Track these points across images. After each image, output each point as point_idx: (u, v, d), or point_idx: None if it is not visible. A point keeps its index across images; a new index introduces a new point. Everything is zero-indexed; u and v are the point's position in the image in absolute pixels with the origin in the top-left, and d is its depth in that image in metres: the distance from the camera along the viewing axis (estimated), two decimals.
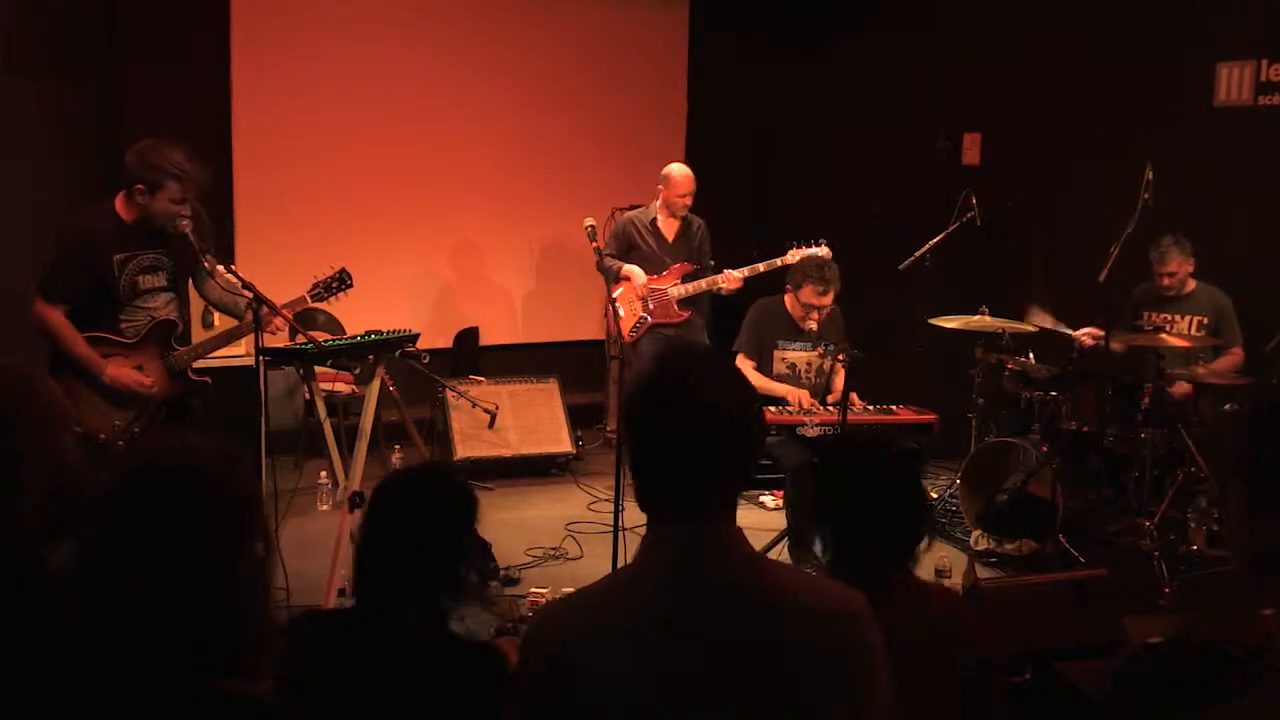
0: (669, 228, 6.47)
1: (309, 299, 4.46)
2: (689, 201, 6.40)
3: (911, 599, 2.31)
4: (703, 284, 6.36)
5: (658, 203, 6.46)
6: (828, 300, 5.74)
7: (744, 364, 5.78)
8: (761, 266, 6.21)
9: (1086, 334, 5.81)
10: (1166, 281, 5.75)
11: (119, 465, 1.57)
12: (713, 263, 6.54)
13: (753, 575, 1.60)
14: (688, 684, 1.53)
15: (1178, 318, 5.78)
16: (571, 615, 1.64)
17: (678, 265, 6.42)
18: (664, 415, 1.60)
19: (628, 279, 6.37)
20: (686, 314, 6.41)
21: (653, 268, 6.40)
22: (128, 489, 1.49)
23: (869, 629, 1.61)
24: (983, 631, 2.35)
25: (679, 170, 6.40)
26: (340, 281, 4.48)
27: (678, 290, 6.37)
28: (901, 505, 2.36)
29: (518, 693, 1.62)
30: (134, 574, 1.43)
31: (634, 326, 6.38)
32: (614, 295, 5.74)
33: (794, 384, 5.91)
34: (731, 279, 6.21)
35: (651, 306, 6.36)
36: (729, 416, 1.59)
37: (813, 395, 5.89)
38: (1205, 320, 5.71)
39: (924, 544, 2.39)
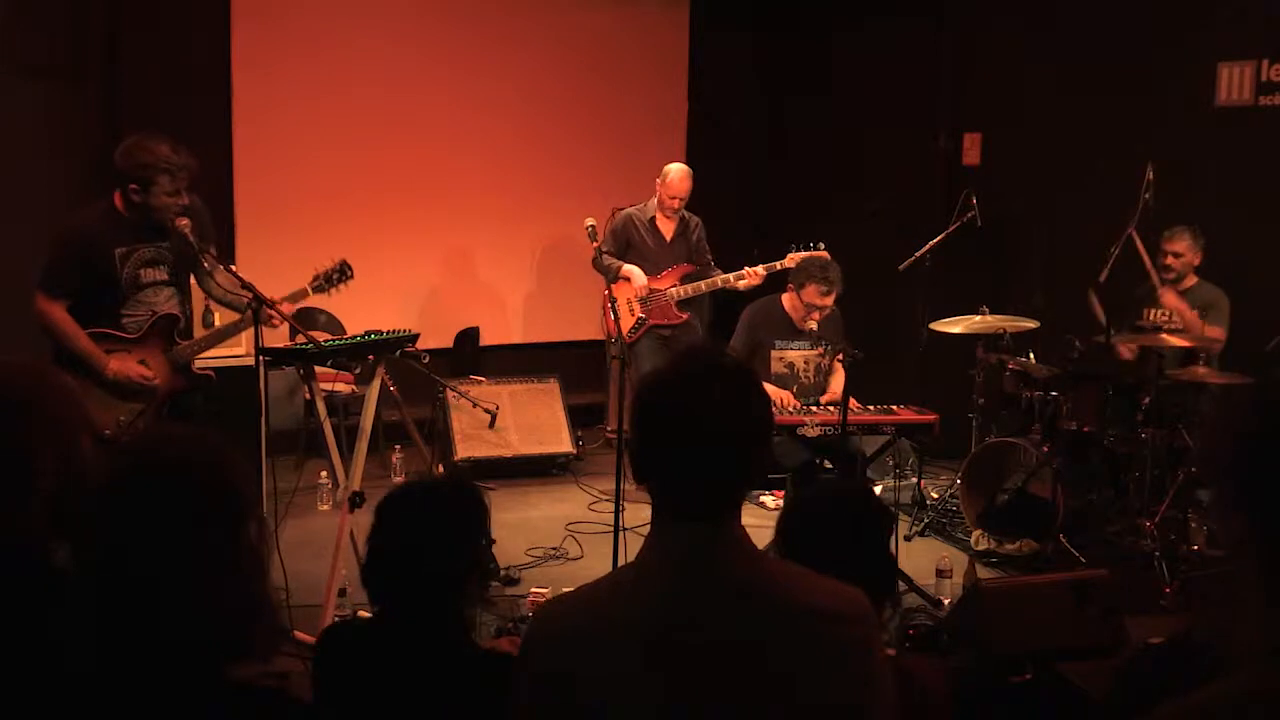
0: (667, 226, 6.45)
1: (310, 290, 4.45)
2: (677, 205, 6.38)
3: None
4: (702, 285, 6.33)
5: (655, 200, 6.45)
6: (829, 301, 5.73)
7: None
8: (761, 269, 6.20)
9: (1125, 347, 5.82)
10: (1169, 260, 5.72)
11: (108, 463, 1.57)
12: (711, 259, 6.52)
13: (758, 575, 1.60)
14: (692, 683, 1.53)
15: (1175, 313, 5.78)
16: (575, 613, 1.65)
17: (677, 266, 6.40)
18: (675, 416, 1.60)
19: (626, 279, 6.35)
20: (685, 315, 6.40)
21: (651, 267, 6.38)
22: (120, 485, 1.50)
23: (872, 629, 1.61)
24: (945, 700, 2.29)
25: (676, 171, 6.38)
26: (341, 273, 4.47)
27: (677, 291, 6.35)
28: (868, 568, 2.24)
29: (520, 690, 1.62)
30: (135, 567, 1.44)
31: (632, 328, 6.36)
32: (611, 294, 5.71)
33: (791, 384, 5.91)
34: (756, 275, 6.12)
35: (650, 307, 6.35)
36: (740, 417, 1.60)
37: (808, 395, 5.89)
38: (1196, 314, 5.72)
39: (888, 609, 2.32)
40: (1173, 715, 1.28)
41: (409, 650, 2.20)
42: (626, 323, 6.35)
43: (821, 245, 6.07)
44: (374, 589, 2.28)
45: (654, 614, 1.56)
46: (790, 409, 5.64)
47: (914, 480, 6.27)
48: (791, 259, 6.04)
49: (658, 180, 6.40)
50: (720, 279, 6.29)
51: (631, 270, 6.34)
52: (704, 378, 1.62)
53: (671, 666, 1.53)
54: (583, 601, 1.66)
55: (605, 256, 6.38)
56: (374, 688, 2.20)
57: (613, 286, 6.40)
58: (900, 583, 4.94)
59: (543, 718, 1.60)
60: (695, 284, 6.34)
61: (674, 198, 6.35)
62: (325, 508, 5.99)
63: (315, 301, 4.66)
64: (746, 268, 6.17)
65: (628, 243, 6.43)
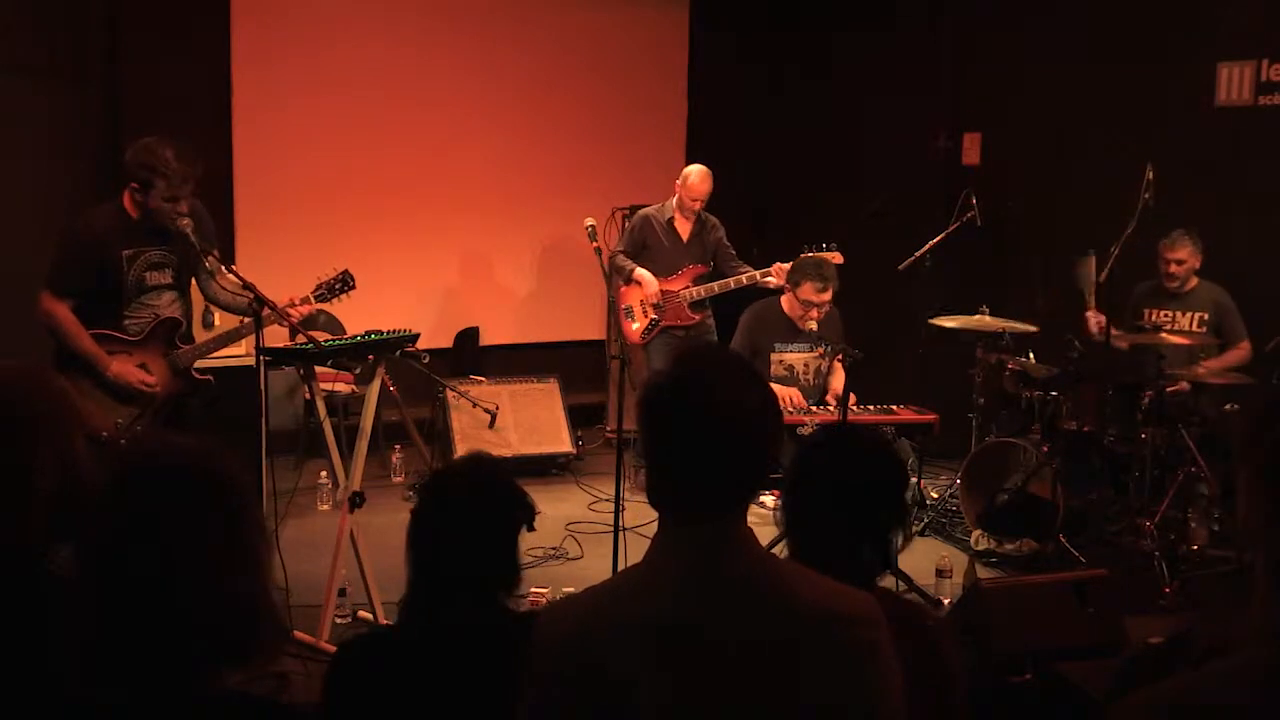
0: (684, 227, 6.45)
1: (313, 299, 4.46)
2: (699, 206, 6.38)
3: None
4: (715, 286, 6.32)
5: (674, 201, 6.45)
6: (827, 297, 5.72)
7: None
8: (785, 267, 6.15)
9: (1094, 318, 5.79)
10: (1173, 269, 5.71)
11: (108, 469, 1.57)
12: (735, 257, 6.46)
13: (766, 575, 1.60)
14: (700, 683, 1.53)
15: (1179, 315, 5.78)
16: (581, 614, 1.64)
17: (691, 267, 6.40)
18: (685, 414, 1.59)
19: (639, 283, 6.34)
20: (698, 316, 6.39)
21: (667, 268, 6.38)
22: (120, 489, 1.51)
23: (880, 631, 1.61)
24: (947, 639, 2.27)
25: (696, 172, 6.37)
26: (343, 283, 4.48)
27: (690, 293, 6.34)
28: (872, 509, 2.24)
29: (526, 692, 1.62)
30: (135, 571, 1.45)
31: (646, 329, 6.36)
32: (623, 297, 5.69)
33: (790, 386, 5.90)
34: (782, 272, 6.04)
35: (665, 309, 6.34)
36: (749, 416, 1.60)
37: (809, 396, 5.88)
38: (1206, 316, 5.72)
39: (896, 546, 2.31)
40: (1168, 689, 1.29)
41: (464, 659, 2.10)
42: (640, 324, 6.36)
43: (834, 246, 6.04)
44: (426, 589, 2.17)
45: (662, 614, 1.55)
46: (797, 408, 5.64)
47: (914, 480, 6.28)
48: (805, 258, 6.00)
49: (677, 182, 6.40)
50: (746, 276, 6.26)
51: (643, 275, 6.33)
52: (708, 377, 1.61)
53: (679, 667, 1.53)
54: (589, 603, 1.66)
55: (619, 257, 6.40)
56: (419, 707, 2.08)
57: (623, 290, 6.40)
58: (899, 582, 4.96)
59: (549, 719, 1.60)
60: (709, 285, 6.33)
61: (695, 199, 6.33)
62: (325, 508, 5.99)
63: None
64: (777, 264, 6.10)
65: (644, 243, 6.43)
